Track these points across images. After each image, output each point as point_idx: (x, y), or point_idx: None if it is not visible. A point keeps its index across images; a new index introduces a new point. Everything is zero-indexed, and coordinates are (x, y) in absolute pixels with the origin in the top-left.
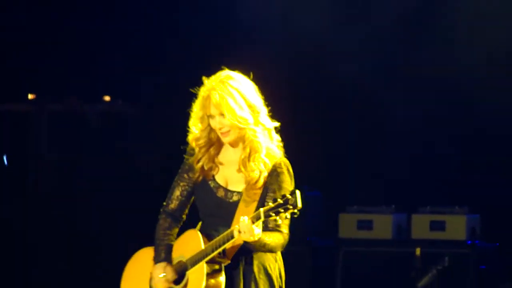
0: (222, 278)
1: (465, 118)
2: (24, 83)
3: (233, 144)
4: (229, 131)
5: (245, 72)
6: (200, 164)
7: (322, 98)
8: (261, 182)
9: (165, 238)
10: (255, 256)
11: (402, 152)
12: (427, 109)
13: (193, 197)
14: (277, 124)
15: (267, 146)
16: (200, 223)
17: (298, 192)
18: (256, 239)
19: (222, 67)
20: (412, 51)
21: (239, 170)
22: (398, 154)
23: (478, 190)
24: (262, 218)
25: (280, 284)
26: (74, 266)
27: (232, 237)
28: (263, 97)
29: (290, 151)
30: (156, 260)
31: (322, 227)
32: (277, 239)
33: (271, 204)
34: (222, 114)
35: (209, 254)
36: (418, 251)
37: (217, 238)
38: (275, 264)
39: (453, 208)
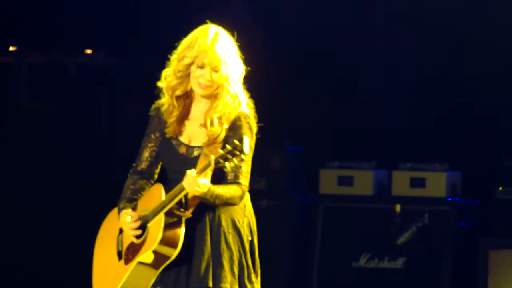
0: (181, 230)
1: (450, 74)
2: (5, 34)
3: (205, 98)
4: (211, 86)
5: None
6: (174, 118)
7: (303, 53)
8: (222, 136)
9: (127, 192)
10: (222, 210)
11: (384, 107)
12: (418, 63)
13: None
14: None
15: (234, 103)
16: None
17: (246, 138)
18: (205, 190)
19: (207, 21)
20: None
21: (202, 125)
22: (380, 110)
23: (459, 147)
24: (212, 165)
25: (250, 238)
26: (56, 215)
27: (183, 189)
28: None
29: (270, 107)
30: (119, 211)
31: (303, 182)
32: (233, 190)
33: (220, 151)
34: (215, 68)
35: (166, 206)
36: (398, 207)
37: (172, 190)
38: (243, 218)
39: (434, 165)
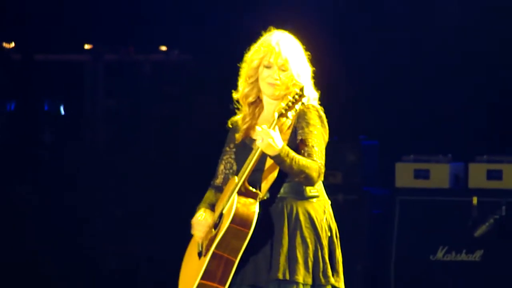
0: (255, 209)
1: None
2: (81, 33)
3: (275, 99)
4: (280, 85)
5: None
6: (247, 125)
7: (376, 46)
8: (286, 124)
9: (206, 200)
10: (299, 204)
11: (458, 100)
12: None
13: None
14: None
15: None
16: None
17: (305, 85)
18: (277, 146)
19: (270, 27)
20: None
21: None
22: (454, 103)
23: None
24: (276, 119)
25: (329, 234)
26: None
27: (256, 149)
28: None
29: (346, 101)
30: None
31: (379, 176)
32: (310, 161)
33: (282, 105)
34: (282, 67)
35: (238, 183)
36: (475, 200)
37: (244, 164)
38: (322, 216)
39: (510, 157)
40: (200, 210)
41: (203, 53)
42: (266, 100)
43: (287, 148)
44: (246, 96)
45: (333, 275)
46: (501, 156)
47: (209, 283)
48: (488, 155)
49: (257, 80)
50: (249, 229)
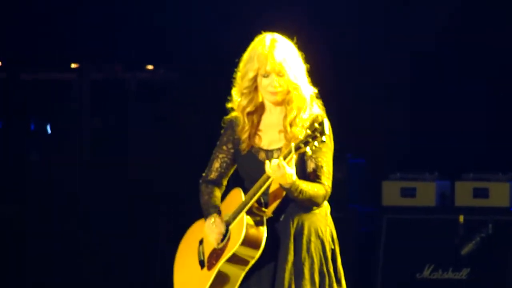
0: (263, 230)
1: (505, 83)
2: (67, 52)
3: (278, 104)
4: (282, 91)
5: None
6: (247, 134)
7: (366, 65)
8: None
9: (210, 200)
10: (305, 218)
11: (445, 119)
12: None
13: (233, 167)
14: (315, 90)
15: (306, 104)
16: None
17: (325, 120)
18: (290, 180)
19: (261, 31)
20: None
21: (281, 131)
22: (441, 121)
23: None
24: (293, 152)
25: (332, 247)
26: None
27: (268, 178)
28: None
29: (333, 119)
30: (206, 216)
31: (366, 194)
32: (317, 188)
33: (300, 137)
34: (279, 73)
35: (248, 203)
36: (461, 218)
37: (254, 186)
38: (326, 227)
39: (497, 175)
40: (212, 216)
41: (189, 71)
42: (268, 105)
43: (298, 183)
44: (244, 107)
45: (338, 287)
46: (487, 174)
47: None
48: (474, 173)
49: (254, 90)
50: (258, 250)
